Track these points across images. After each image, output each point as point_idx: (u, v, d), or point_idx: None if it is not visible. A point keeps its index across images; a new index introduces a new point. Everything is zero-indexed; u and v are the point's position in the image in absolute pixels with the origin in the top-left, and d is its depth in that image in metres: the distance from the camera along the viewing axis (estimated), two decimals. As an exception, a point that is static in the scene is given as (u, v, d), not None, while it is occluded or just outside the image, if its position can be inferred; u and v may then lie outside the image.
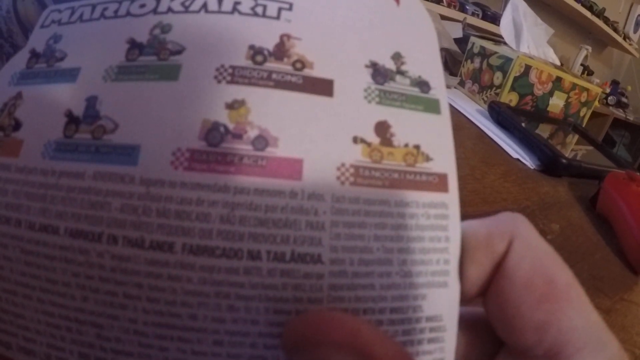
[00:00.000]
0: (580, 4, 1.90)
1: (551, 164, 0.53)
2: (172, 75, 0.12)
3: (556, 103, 0.80)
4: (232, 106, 0.11)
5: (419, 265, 0.11)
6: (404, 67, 0.13)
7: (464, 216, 0.12)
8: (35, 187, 0.11)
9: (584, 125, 0.86)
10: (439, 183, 0.12)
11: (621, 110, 2.31)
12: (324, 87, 0.12)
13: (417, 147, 0.12)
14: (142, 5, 0.13)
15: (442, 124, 0.13)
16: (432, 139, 0.12)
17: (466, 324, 0.13)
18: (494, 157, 0.54)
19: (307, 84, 0.12)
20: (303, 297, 0.11)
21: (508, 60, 0.73)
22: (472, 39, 0.85)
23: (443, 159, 0.12)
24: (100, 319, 0.11)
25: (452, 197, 0.12)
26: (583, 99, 0.83)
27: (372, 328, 0.10)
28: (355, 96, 0.12)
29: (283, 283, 0.10)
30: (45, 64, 0.13)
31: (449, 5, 1.37)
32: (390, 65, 0.13)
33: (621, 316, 0.32)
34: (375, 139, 0.12)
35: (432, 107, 0.13)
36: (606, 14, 2.12)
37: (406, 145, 0.12)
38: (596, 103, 0.90)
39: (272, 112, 0.11)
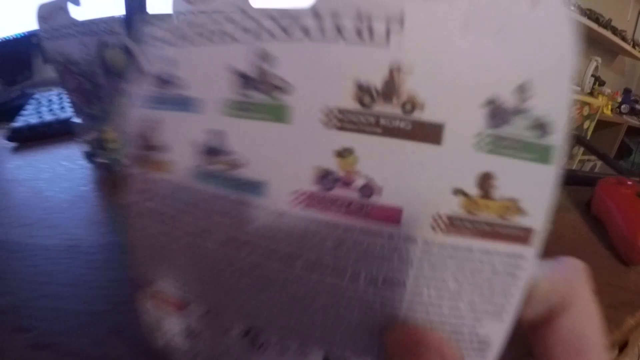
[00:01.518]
0: (586, 17, 1.90)
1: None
2: (285, 118, 0.12)
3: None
4: (341, 154, 0.12)
5: (484, 304, 0.12)
6: (527, 104, 0.11)
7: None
8: (190, 205, 0.14)
9: (589, 137, 0.90)
10: (524, 236, 0.12)
11: (635, 118, 2.31)
12: (433, 134, 0.11)
13: (515, 200, 0.11)
14: (245, 30, 0.13)
15: (550, 176, 0.11)
16: (534, 195, 0.12)
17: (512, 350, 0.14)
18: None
19: (416, 129, 0.11)
20: (386, 310, 0.13)
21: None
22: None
23: (538, 216, 0.12)
24: (252, 290, 0.14)
25: (532, 251, 0.12)
26: (585, 113, 0.88)
27: (447, 340, 0.13)
28: (465, 144, 0.11)
29: (373, 299, 0.12)
30: (169, 90, 0.14)
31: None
32: (511, 102, 0.11)
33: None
34: (475, 191, 0.11)
35: (545, 156, 0.11)
36: (614, 23, 2.11)
37: (504, 198, 0.11)
38: (609, 113, 0.93)
39: (378, 162, 0.12)
